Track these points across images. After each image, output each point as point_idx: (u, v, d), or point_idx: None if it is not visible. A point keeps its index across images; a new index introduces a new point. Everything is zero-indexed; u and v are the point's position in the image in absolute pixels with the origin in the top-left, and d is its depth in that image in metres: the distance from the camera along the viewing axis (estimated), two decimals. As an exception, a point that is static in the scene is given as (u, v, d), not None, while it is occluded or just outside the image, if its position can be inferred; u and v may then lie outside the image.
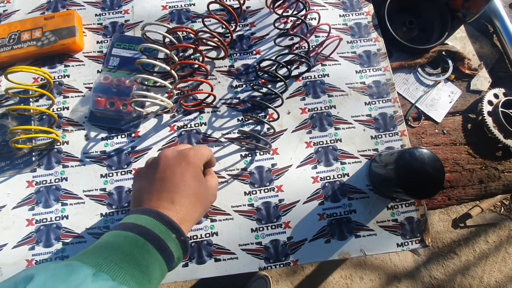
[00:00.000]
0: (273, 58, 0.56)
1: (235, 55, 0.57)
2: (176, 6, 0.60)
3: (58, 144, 0.52)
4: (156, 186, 0.34)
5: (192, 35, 0.56)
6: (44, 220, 0.49)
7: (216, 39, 0.52)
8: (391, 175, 0.45)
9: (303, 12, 0.58)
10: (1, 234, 0.48)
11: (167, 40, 0.53)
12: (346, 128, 0.54)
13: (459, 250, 1.38)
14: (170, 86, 0.49)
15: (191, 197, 0.34)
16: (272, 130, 0.51)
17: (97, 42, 0.57)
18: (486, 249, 1.40)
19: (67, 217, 0.49)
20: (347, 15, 0.61)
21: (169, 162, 0.35)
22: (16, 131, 0.50)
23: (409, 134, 0.55)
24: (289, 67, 0.52)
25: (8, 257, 0.47)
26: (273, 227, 0.50)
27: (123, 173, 0.51)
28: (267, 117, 0.54)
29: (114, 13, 0.59)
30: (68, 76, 0.55)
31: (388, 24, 0.59)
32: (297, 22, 0.58)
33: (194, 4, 0.60)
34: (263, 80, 0.56)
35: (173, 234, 0.30)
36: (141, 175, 0.38)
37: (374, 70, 0.58)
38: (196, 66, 0.55)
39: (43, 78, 0.54)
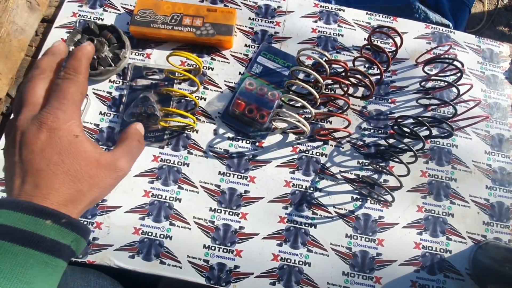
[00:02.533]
0: (410, 113, 0.57)
1: (370, 98, 0.58)
2: (325, 32, 0.61)
3: (190, 130, 0.54)
4: (17, 170, 0.27)
5: (337, 66, 0.57)
6: (159, 196, 0.52)
7: (367, 79, 0.52)
8: (507, 272, 0.45)
9: (454, 77, 0.57)
10: (119, 196, 0.51)
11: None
12: (461, 205, 0.53)
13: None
14: (314, 112, 0.50)
15: (60, 177, 0.27)
16: (398, 184, 0.52)
17: (245, 45, 0.60)
18: None
19: (180, 200, 0.52)
20: (489, 91, 0.60)
21: (25, 138, 0.27)
22: (163, 111, 0.53)
23: (519, 231, 0.53)
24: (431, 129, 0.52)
25: (118, 219, 0.50)
26: (364, 277, 0.50)
27: (239, 176, 0.53)
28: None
29: (267, 21, 0.61)
30: (212, 69, 0.58)
31: (531, 115, 0.57)
32: (440, 84, 0.58)
33: (342, 35, 0.61)
34: (391, 131, 0.56)
35: (47, 221, 0.25)
36: (6, 149, 0.29)
37: (503, 156, 0.56)
38: (332, 98, 0.56)
39: (192, 64, 0.57)
